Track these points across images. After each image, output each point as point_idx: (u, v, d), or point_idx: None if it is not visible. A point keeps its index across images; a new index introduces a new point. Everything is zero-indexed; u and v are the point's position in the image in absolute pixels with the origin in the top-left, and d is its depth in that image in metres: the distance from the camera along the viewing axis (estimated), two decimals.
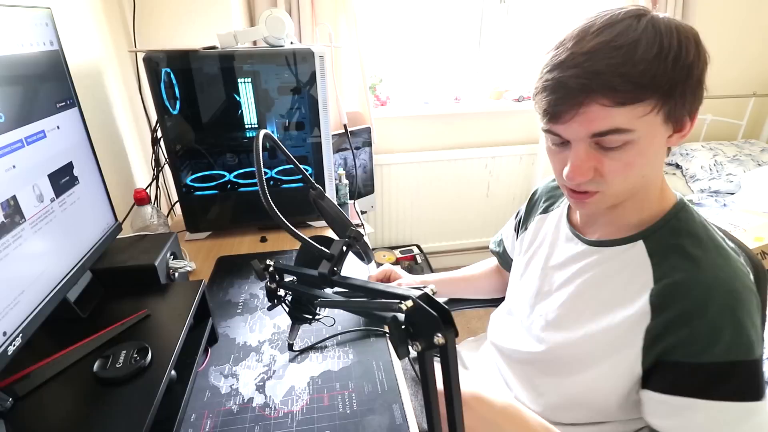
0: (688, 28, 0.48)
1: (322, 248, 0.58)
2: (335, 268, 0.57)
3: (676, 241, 0.53)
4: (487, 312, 0.90)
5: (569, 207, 0.70)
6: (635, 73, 0.45)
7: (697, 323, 0.48)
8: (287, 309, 0.72)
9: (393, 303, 0.44)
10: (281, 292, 0.69)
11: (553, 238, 0.71)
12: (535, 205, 0.80)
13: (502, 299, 0.86)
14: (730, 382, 0.47)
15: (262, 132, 0.57)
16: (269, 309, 0.71)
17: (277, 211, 0.52)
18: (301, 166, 0.66)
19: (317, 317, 0.74)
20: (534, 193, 0.82)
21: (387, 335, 0.79)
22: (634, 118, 0.46)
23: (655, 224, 0.56)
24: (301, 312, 0.72)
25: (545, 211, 0.76)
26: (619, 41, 0.45)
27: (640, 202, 0.57)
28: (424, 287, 0.45)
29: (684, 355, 0.48)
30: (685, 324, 0.49)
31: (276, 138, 0.60)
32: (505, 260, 0.91)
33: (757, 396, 0.47)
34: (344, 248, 0.58)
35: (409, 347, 0.44)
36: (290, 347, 0.76)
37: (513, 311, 0.75)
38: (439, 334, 0.41)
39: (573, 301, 0.62)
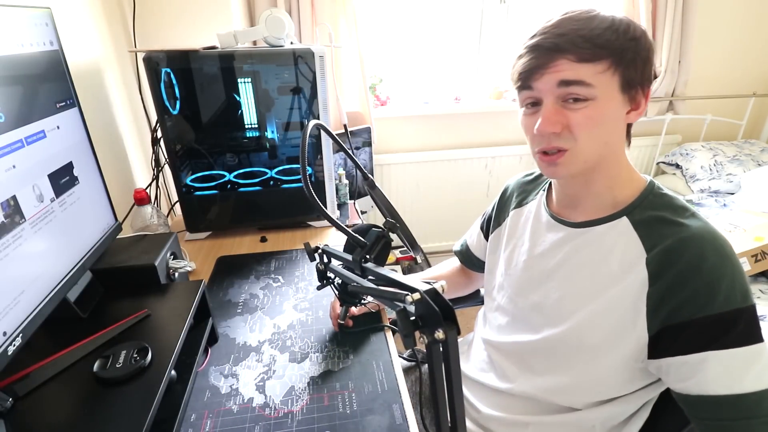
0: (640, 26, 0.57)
1: (358, 236, 0.63)
2: (367, 256, 0.62)
3: (657, 213, 0.58)
4: None
5: (547, 195, 0.72)
6: (593, 36, 0.54)
7: (694, 281, 0.52)
8: (336, 291, 0.77)
9: (403, 294, 0.47)
10: (331, 275, 0.76)
11: (533, 229, 0.72)
12: (507, 201, 0.81)
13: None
14: (735, 329, 0.51)
15: (313, 122, 0.60)
16: (318, 288, 0.78)
17: (320, 203, 0.56)
18: (354, 157, 0.71)
19: (363, 301, 0.79)
20: (505, 190, 0.84)
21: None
22: (594, 74, 0.55)
23: (633, 202, 0.61)
24: (349, 295, 0.76)
25: (519, 205, 0.78)
26: (580, 16, 0.56)
27: (609, 179, 0.62)
28: (434, 282, 0.47)
29: (690, 313, 0.52)
30: (685, 284, 0.53)
31: (327, 128, 0.66)
32: (468, 258, 0.93)
33: (759, 338, 0.51)
34: (377, 238, 0.64)
35: (417, 339, 0.46)
36: (340, 327, 0.81)
37: (503, 306, 0.75)
38: (440, 329, 0.43)
39: (568, 284, 0.64)
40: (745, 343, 0.51)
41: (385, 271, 0.59)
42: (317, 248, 0.74)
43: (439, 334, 0.44)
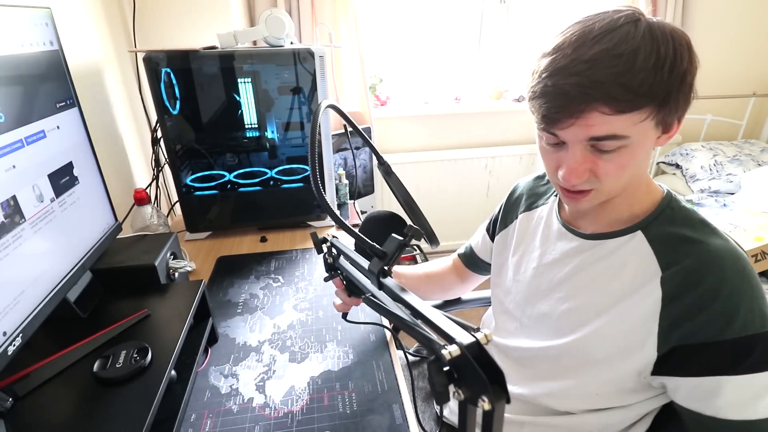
0: (681, 34, 0.49)
1: (375, 245, 0.53)
2: (385, 268, 0.52)
3: (674, 229, 0.56)
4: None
5: (559, 203, 0.70)
6: (635, 83, 0.46)
7: (713, 306, 0.50)
8: (344, 283, 0.75)
9: (435, 341, 0.38)
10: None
11: (543, 235, 0.70)
12: (516, 203, 0.80)
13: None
14: (752, 355, 0.49)
15: (325, 102, 0.56)
16: (325, 280, 0.75)
17: (328, 203, 0.51)
18: (370, 141, 0.67)
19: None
20: (513, 191, 0.82)
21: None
22: (630, 125, 0.48)
23: (649, 215, 0.58)
24: (357, 288, 0.69)
25: (529, 208, 0.76)
26: (620, 49, 0.46)
27: (630, 197, 0.59)
28: (476, 329, 0.38)
29: (705, 337, 0.50)
30: (703, 308, 0.50)
31: (340, 108, 0.62)
32: (472, 260, 0.92)
33: None
34: (399, 246, 0.52)
35: (451, 394, 0.37)
36: (344, 317, 0.79)
37: (511, 310, 0.74)
38: (485, 398, 0.33)
39: (577, 297, 0.62)
40: (761, 370, 0.49)
41: (411, 297, 0.48)
42: (325, 239, 0.69)
43: (485, 405, 0.33)
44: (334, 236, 0.71)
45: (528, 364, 0.69)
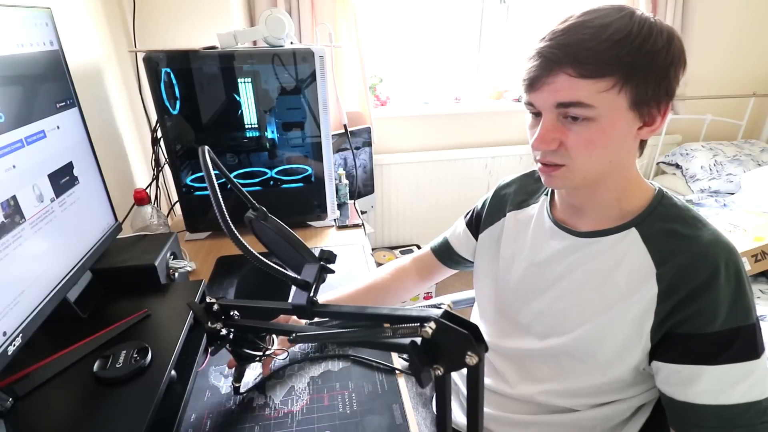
0: (667, 27, 0.52)
1: (294, 275, 0.50)
2: (313, 297, 0.50)
3: (667, 226, 0.57)
4: None
5: (550, 200, 0.70)
6: (600, 50, 0.49)
7: (703, 300, 0.52)
8: (230, 348, 0.63)
9: (409, 328, 0.42)
10: (224, 331, 0.58)
11: (534, 234, 0.70)
12: (503, 200, 0.78)
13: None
14: (733, 346, 0.51)
15: (205, 148, 0.53)
16: (212, 354, 0.63)
17: (235, 231, 0.46)
18: (240, 187, 0.61)
19: (267, 352, 0.66)
20: (500, 188, 0.81)
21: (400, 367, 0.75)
22: (595, 93, 0.50)
23: (642, 212, 0.59)
24: (246, 348, 0.64)
25: (519, 206, 0.75)
26: (594, 22, 0.50)
27: (618, 191, 0.60)
28: (440, 305, 0.43)
29: (691, 327, 0.52)
30: (693, 301, 0.52)
31: (215, 158, 0.55)
32: (447, 254, 0.88)
33: (755, 355, 0.51)
34: (320, 270, 0.51)
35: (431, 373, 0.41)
36: (236, 390, 0.68)
37: (505, 310, 0.73)
38: (471, 353, 0.37)
39: (573, 295, 0.62)
40: (740, 360, 0.51)
41: (352, 307, 0.48)
42: (211, 305, 0.57)
43: (473, 359, 0.37)
44: (220, 297, 0.60)
45: (528, 364, 0.69)
